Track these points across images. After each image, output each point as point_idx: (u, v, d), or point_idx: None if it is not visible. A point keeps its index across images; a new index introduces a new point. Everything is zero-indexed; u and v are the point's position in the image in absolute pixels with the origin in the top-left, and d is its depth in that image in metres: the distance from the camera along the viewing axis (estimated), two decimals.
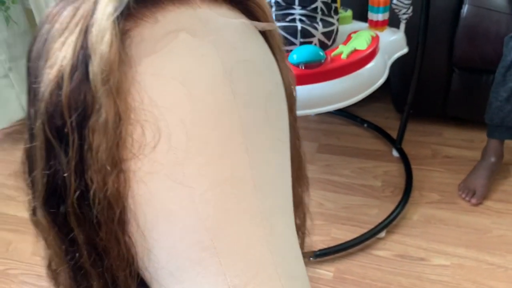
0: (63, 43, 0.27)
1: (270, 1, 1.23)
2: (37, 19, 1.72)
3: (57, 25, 0.28)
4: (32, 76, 0.29)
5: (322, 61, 1.14)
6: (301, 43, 1.19)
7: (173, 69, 0.27)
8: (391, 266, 1.28)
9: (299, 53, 1.12)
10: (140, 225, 0.29)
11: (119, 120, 0.26)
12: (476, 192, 1.47)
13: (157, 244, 0.29)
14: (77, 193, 0.28)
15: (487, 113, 1.46)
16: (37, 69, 0.28)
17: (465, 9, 1.55)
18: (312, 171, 1.64)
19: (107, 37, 0.25)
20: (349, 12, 1.49)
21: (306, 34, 1.19)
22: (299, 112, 1.17)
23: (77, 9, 0.28)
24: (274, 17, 1.20)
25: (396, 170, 1.63)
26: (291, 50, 1.15)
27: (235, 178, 0.29)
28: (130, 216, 0.28)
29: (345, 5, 1.52)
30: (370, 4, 1.36)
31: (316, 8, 1.22)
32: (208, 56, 0.28)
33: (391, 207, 1.44)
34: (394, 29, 1.42)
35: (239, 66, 0.29)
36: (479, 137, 1.68)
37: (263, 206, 0.30)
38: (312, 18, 1.22)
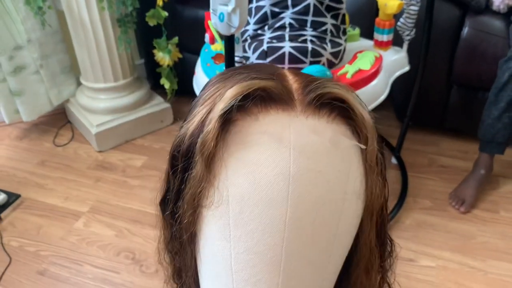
0: (198, 113, 0.39)
1: (285, 22, 1.35)
2: (68, 21, 1.85)
3: (202, 97, 0.40)
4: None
5: None
6: (311, 62, 1.32)
7: (250, 160, 0.36)
8: None
9: (308, 73, 1.25)
10: (198, 247, 0.41)
11: (203, 179, 0.37)
12: (465, 201, 1.60)
13: (203, 266, 0.41)
14: (172, 208, 0.41)
15: (480, 129, 1.59)
16: (190, 113, 0.41)
17: (465, 31, 1.67)
18: None
19: (211, 125, 0.36)
20: (357, 30, 1.61)
21: (315, 54, 1.32)
22: None
23: (214, 93, 0.39)
24: (287, 37, 1.33)
25: (393, 176, 1.76)
26: (302, 69, 1.29)
27: (266, 254, 0.36)
28: (196, 238, 0.41)
29: (353, 23, 1.64)
30: (376, 25, 1.49)
31: (326, 30, 1.35)
32: (281, 158, 0.35)
33: None
34: (397, 48, 1.54)
35: (304, 173, 0.35)
36: (473, 149, 1.80)
37: (282, 284, 0.37)
38: (322, 39, 1.35)
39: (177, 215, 0.40)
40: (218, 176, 0.37)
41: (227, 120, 0.36)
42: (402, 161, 1.81)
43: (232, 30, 0.99)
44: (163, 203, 0.43)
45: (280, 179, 0.35)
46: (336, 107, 0.37)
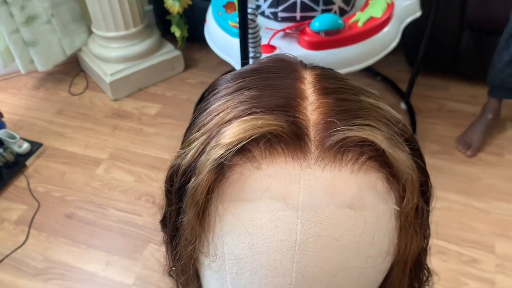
0: (193, 142, 0.33)
1: None
2: None
3: (202, 116, 0.34)
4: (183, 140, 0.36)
5: (341, 29, 1.28)
6: (323, 11, 1.33)
7: (248, 219, 0.29)
8: None
9: (320, 22, 1.27)
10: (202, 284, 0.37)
11: (196, 230, 0.32)
12: (471, 145, 1.65)
13: None
14: (171, 242, 0.38)
15: (490, 74, 1.60)
16: (186, 137, 0.35)
17: None
18: None
19: (203, 175, 0.30)
20: None
21: (327, 2, 1.32)
22: None
23: (214, 116, 0.32)
24: None
25: None
26: (313, 17, 1.29)
27: None
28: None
29: None
30: None
31: None
32: (285, 222, 0.29)
33: None
34: None
35: (314, 241, 0.29)
36: (483, 94, 1.81)
37: None
38: None
39: (175, 252, 0.37)
40: (212, 230, 0.31)
41: (225, 167, 0.30)
42: (411, 107, 1.84)
43: None
44: (163, 224, 0.39)
45: (284, 246, 0.29)
46: (366, 150, 0.29)
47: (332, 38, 1.28)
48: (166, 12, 1.97)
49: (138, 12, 1.97)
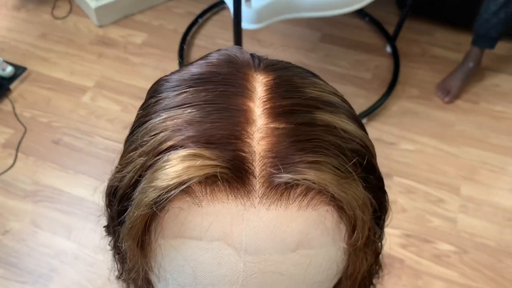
0: (133, 161, 0.30)
1: None
2: None
3: (141, 132, 0.31)
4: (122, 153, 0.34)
5: None
6: None
7: (189, 255, 0.28)
8: None
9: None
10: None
11: (137, 258, 0.31)
12: (450, 92, 1.71)
13: None
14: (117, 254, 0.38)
15: (475, 23, 1.63)
16: (125, 150, 0.33)
17: None
18: (312, 59, 1.85)
19: (139, 212, 0.28)
20: None
21: None
22: (315, 14, 1.35)
23: (154, 137, 0.29)
24: None
25: (386, 65, 1.83)
26: None
27: None
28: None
29: None
30: None
31: None
32: (228, 261, 0.28)
33: (376, 98, 1.69)
34: None
35: (259, 276, 0.28)
36: (466, 41, 1.84)
37: None
38: None
39: (123, 265, 0.36)
40: (153, 258, 0.31)
41: (164, 200, 0.28)
42: (396, 50, 1.87)
43: None
44: (107, 231, 0.38)
45: (227, 281, 0.29)
46: (315, 186, 0.27)
47: None
48: None
49: None
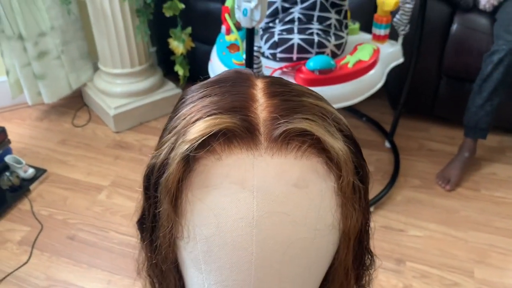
0: (165, 143, 0.38)
1: (294, 17, 1.52)
2: (90, 10, 2.00)
3: (172, 121, 0.40)
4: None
5: (333, 68, 1.44)
6: (317, 53, 1.49)
7: (213, 203, 0.35)
8: (376, 234, 1.60)
9: (314, 62, 1.42)
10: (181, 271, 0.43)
11: (171, 217, 0.38)
12: (450, 180, 1.79)
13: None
14: (150, 237, 0.43)
15: (465, 116, 1.77)
16: (160, 141, 0.41)
17: (454, 27, 1.84)
18: None
19: (173, 167, 0.36)
20: (357, 25, 1.78)
21: (321, 45, 1.49)
22: None
23: (182, 119, 0.38)
24: (296, 30, 1.49)
25: (387, 158, 1.94)
26: (308, 58, 1.45)
27: (236, 287, 0.37)
28: (179, 265, 0.42)
29: (354, 18, 1.81)
30: (374, 21, 1.66)
31: (330, 24, 1.52)
32: (244, 202, 0.35)
33: (380, 188, 1.76)
34: (393, 41, 1.71)
35: (268, 217, 0.35)
36: (460, 135, 1.97)
37: None
38: (326, 33, 1.51)
39: (155, 244, 0.41)
40: (184, 216, 0.37)
41: (191, 158, 0.36)
42: (395, 145, 1.99)
43: (254, 23, 1.16)
44: (141, 225, 0.45)
45: (244, 223, 0.35)
46: (307, 139, 0.35)
47: (325, 77, 1.43)
48: (169, 53, 2.13)
49: (144, 52, 2.13)
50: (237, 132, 0.35)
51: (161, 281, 0.46)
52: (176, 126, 0.38)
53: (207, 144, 0.35)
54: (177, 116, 0.39)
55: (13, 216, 1.70)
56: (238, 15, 1.17)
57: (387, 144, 2.00)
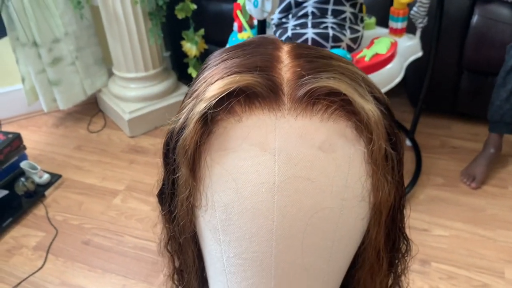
0: (185, 107, 0.36)
1: (307, 11, 1.48)
2: (103, 15, 1.99)
3: (193, 86, 0.38)
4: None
5: None
6: (332, 47, 1.45)
7: (232, 167, 0.33)
8: None
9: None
10: (199, 245, 0.40)
11: (189, 184, 0.35)
12: (475, 178, 1.71)
13: (205, 264, 0.40)
14: (169, 207, 0.40)
15: (489, 110, 1.70)
16: (180, 106, 0.39)
17: (474, 19, 1.78)
18: None
19: (190, 127, 0.34)
20: (373, 19, 1.73)
21: (336, 39, 1.44)
22: None
23: (202, 83, 0.36)
24: (310, 24, 1.45)
25: (408, 157, 1.87)
26: None
27: (256, 261, 0.35)
28: (196, 237, 0.40)
29: (369, 13, 1.76)
30: (391, 14, 1.61)
31: (345, 18, 1.47)
32: (264, 166, 0.32)
33: None
34: (411, 35, 1.65)
35: (291, 182, 0.32)
36: (483, 132, 1.90)
37: None
38: (341, 26, 1.47)
39: (173, 215, 0.39)
40: (202, 181, 0.35)
41: (210, 120, 0.33)
42: (416, 143, 1.92)
43: (265, 15, 1.12)
44: (161, 197, 0.42)
45: (265, 188, 0.32)
46: (335, 101, 0.32)
47: None
48: (183, 57, 2.11)
49: (157, 55, 2.11)
50: (259, 91, 0.32)
51: (180, 255, 0.43)
52: (196, 90, 0.36)
53: (227, 105, 0.33)
54: (198, 80, 0.38)
55: (28, 221, 1.69)
56: (249, 6, 1.13)
57: (408, 143, 1.94)
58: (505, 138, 1.76)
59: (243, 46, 0.38)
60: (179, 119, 0.36)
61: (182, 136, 0.34)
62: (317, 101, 0.32)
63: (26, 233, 1.64)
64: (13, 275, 1.48)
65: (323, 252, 0.35)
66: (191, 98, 0.36)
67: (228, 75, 0.34)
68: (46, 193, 1.80)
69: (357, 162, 0.34)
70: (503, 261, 1.43)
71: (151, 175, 1.87)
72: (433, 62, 1.77)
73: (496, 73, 1.70)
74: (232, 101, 0.33)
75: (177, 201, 0.38)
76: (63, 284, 1.45)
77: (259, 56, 0.35)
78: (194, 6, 1.93)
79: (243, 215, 0.34)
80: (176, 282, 0.48)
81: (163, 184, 0.41)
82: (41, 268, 1.50)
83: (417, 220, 1.59)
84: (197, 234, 0.39)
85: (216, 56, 0.38)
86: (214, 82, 0.34)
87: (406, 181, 1.73)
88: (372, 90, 0.36)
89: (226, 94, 0.32)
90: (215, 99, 0.33)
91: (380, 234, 0.38)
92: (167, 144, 0.38)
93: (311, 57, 0.35)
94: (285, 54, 0.36)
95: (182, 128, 0.35)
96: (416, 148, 1.90)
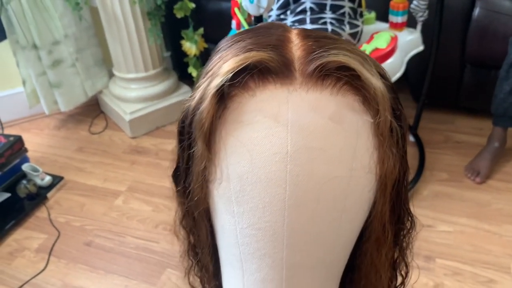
0: (200, 86, 0.38)
1: (306, 7, 1.46)
2: (102, 15, 1.99)
3: (206, 68, 0.39)
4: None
5: None
6: None
7: (247, 138, 0.35)
8: None
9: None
10: (212, 220, 0.41)
11: (204, 157, 0.37)
12: (480, 172, 1.69)
13: (218, 238, 0.42)
14: (183, 183, 0.41)
15: (493, 104, 1.67)
16: (195, 86, 0.41)
17: (476, 11, 1.75)
18: None
19: (206, 102, 0.35)
20: (372, 14, 1.71)
21: (335, 34, 1.43)
22: None
23: (216, 63, 0.37)
24: (308, 20, 1.44)
25: (411, 152, 1.85)
26: None
27: (268, 231, 0.36)
28: (209, 212, 0.41)
29: (369, 7, 1.74)
30: (390, 8, 1.59)
31: (344, 13, 1.46)
32: (277, 137, 0.34)
33: None
34: (411, 29, 1.63)
35: (303, 152, 0.34)
36: (487, 126, 1.87)
37: (287, 258, 0.37)
38: (340, 21, 1.45)
39: (188, 191, 0.40)
40: (217, 154, 0.37)
41: (225, 95, 0.35)
42: (419, 138, 1.90)
43: (261, 11, 1.11)
44: (175, 176, 0.44)
45: (277, 158, 0.34)
46: (344, 76, 0.34)
47: None
48: (183, 57, 2.10)
49: (157, 55, 2.11)
50: (272, 66, 0.34)
51: (194, 230, 0.45)
52: (211, 69, 0.38)
53: (241, 81, 0.35)
54: (212, 61, 0.39)
55: (30, 224, 1.69)
56: (245, 3, 1.12)
57: (411, 138, 1.92)
58: (509, 131, 1.73)
59: (254, 30, 0.40)
60: (194, 97, 0.37)
61: (199, 111, 0.36)
62: (327, 76, 0.34)
63: (29, 236, 1.64)
64: (15, 278, 1.48)
65: (333, 222, 0.37)
66: (206, 77, 0.37)
67: (243, 53, 0.35)
68: (48, 195, 1.79)
69: (364, 133, 0.36)
70: (509, 256, 1.41)
71: (153, 175, 1.86)
72: (435, 56, 1.75)
73: (499, 66, 1.68)
74: (246, 76, 0.34)
75: (192, 177, 0.39)
76: (65, 286, 1.44)
77: (270, 36, 0.37)
78: (192, 5, 1.92)
79: (256, 185, 0.35)
80: (192, 258, 0.50)
81: (177, 163, 0.42)
82: (43, 270, 1.50)
83: (421, 216, 1.57)
84: (211, 209, 0.40)
85: (228, 40, 0.40)
86: (228, 60, 0.36)
87: (410, 177, 1.71)
88: (378, 68, 0.38)
89: (240, 70, 0.34)
90: (231, 73, 0.34)
91: (386, 207, 0.39)
92: (182, 122, 0.39)
93: (319, 37, 0.38)
94: (294, 35, 0.38)
95: (199, 104, 0.36)
96: (419, 143, 1.88)
